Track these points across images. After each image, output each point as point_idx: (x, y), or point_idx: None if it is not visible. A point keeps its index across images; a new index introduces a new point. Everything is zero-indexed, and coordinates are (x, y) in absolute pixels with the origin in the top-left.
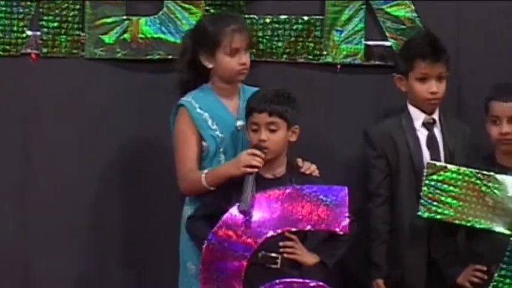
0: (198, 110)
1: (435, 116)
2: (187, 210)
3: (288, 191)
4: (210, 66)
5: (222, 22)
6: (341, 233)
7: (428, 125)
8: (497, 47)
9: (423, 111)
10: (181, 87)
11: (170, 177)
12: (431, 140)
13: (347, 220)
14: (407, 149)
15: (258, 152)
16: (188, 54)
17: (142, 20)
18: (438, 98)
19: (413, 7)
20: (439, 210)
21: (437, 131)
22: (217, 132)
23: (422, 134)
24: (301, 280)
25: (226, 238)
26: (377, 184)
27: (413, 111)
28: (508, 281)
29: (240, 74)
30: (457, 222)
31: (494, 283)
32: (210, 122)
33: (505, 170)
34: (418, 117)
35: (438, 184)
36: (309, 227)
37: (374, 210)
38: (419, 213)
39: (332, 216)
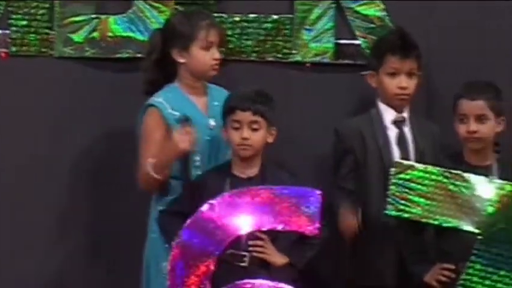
0: (170, 111)
1: (405, 114)
2: (156, 211)
3: (260, 191)
4: (182, 61)
5: (197, 17)
6: (311, 235)
7: (398, 123)
8: (466, 46)
9: (393, 108)
10: (147, 87)
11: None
12: (401, 139)
13: (318, 223)
14: (376, 146)
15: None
16: (156, 53)
17: (111, 18)
18: (407, 93)
19: (382, 6)
20: (407, 209)
21: (407, 130)
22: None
23: (392, 132)
24: (269, 281)
25: (196, 235)
26: (343, 179)
27: (383, 108)
28: (475, 279)
29: (213, 69)
30: (424, 220)
31: (462, 281)
32: (196, 121)
33: (473, 168)
34: (388, 114)
35: (406, 183)
36: (279, 227)
37: (340, 201)
38: (387, 211)
39: (303, 218)
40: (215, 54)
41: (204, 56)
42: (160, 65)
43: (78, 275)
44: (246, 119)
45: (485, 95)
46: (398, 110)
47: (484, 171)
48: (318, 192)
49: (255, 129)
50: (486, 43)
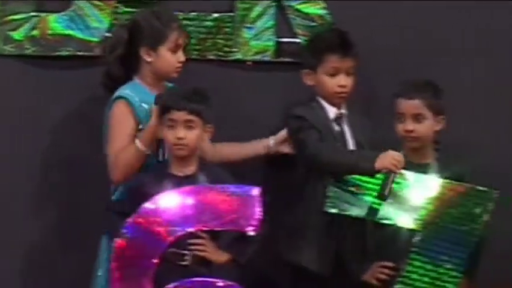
0: (140, 103)
1: (343, 110)
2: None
3: (199, 189)
4: (149, 60)
5: (168, 18)
6: (252, 233)
7: (338, 120)
8: (407, 45)
9: (333, 105)
10: (107, 82)
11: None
12: (342, 135)
13: (258, 220)
14: (324, 140)
15: None
16: (121, 49)
17: (51, 16)
18: (346, 91)
19: (323, 4)
20: (346, 206)
21: (345, 126)
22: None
23: (334, 129)
24: (210, 279)
25: (138, 234)
26: (316, 141)
27: (324, 104)
28: (414, 276)
29: (176, 71)
30: (364, 218)
31: (401, 279)
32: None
33: (412, 166)
34: (329, 110)
35: (345, 180)
36: (220, 227)
37: (326, 156)
38: (326, 208)
39: (243, 216)
40: (181, 57)
41: (171, 58)
42: (122, 61)
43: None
44: (181, 118)
45: (422, 94)
46: (337, 106)
47: (424, 169)
48: (258, 189)
49: (190, 128)
50: (426, 43)
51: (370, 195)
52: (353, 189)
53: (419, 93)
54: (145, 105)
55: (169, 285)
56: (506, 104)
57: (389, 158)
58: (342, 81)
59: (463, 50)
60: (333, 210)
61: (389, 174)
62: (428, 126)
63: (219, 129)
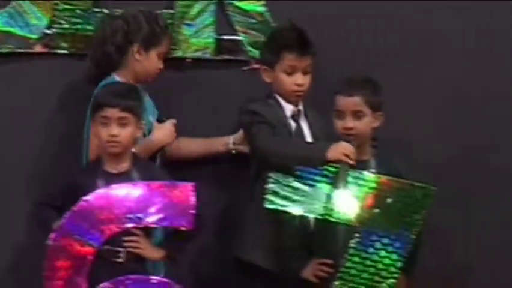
0: None
1: (301, 107)
2: None
3: (133, 186)
4: (138, 58)
5: (166, 24)
6: (186, 229)
7: (295, 117)
8: (353, 41)
9: (290, 102)
10: (92, 78)
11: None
12: (299, 132)
13: (192, 216)
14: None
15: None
16: (110, 44)
17: None
18: (303, 90)
19: (262, 1)
20: (284, 203)
21: (303, 123)
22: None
23: (291, 126)
24: (144, 276)
25: (74, 230)
26: (266, 135)
27: (281, 101)
28: (353, 272)
29: (154, 77)
30: (301, 214)
31: (340, 275)
32: (147, 113)
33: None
34: (286, 107)
35: (284, 178)
36: (155, 224)
37: (276, 148)
38: (266, 205)
39: (177, 212)
40: (161, 63)
41: (156, 63)
42: (109, 56)
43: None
44: (115, 116)
45: (361, 91)
46: (294, 104)
47: (362, 166)
48: (192, 184)
49: (123, 125)
50: (364, 41)
51: (307, 192)
52: (293, 185)
53: (359, 90)
54: None
55: (104, 283)
56: (442, 100)
57: (341, 148)
58: (300, 80)
59: (401, 47)
60: (272, 206)
61: (341, 165)
62: (367, 123)
63: None
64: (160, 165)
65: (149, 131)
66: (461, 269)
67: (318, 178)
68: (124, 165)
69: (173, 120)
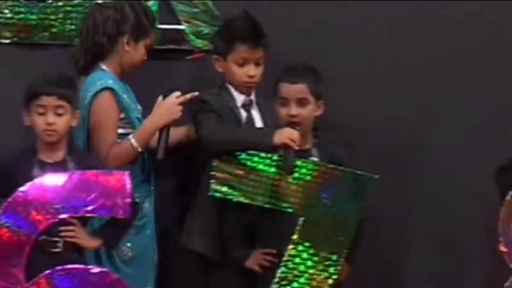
0: (122, 94)
1: (252, 97)
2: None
3: (69, 176)
4: (127, 49)
5: (152, 15)
6: (123, 217)
7: (246, 106)
8: (307, 30)
9: (241, 92)
10: (81, 69)
11: None
12: (250, 121)
13: (129, 204)
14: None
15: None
16: (100, 34)
17: None
18: (255, 81)
19: None
20: (230, 191)
21: (254, 112)
22: (139, 115)
23: (242, 115)
24: (83, 266)
25: (8, 221)
26: (212, 123)
27: (233, 91)
28: (297, 260)
29: (138, 67)
30: (247, 202)
31: (285, 263)
32: (134, 105)
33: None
34: (237, 97)
35: (227, 165)
36: (91, 213)
37: (221, 135)
38: (211, 192)
39: (113, 201)
40: (146, 55)
41: (143, 54)
42: (101, 46)
43: None
44: (51, 104)
45: (305, 78)
46: (246, 94)
47: (304, 155)
48: (127, 173)
49: (59, 114)
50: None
51: (251, 180)
52: (237, 172)
53: (303, 78)
54: (124, 95)
55: (43, 274)
56: (385, 88)
57: (286, 133)
58: (251, 72)
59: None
60: (217, 194)
61: (287, 151)
62: (310, 110)
63: None
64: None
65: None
66: (397, 257)
67: (262, 166)
68: (59, 155)
69: (177, 93)
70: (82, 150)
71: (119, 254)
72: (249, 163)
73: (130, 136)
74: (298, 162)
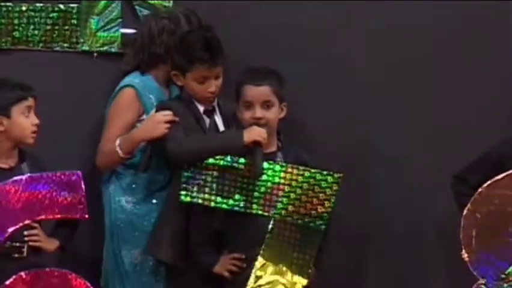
0: (148, 94)
1: (214, 103)
2: (112, 188)
3: (24, 181)
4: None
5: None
6: (80, 218)
7: (208, 113)
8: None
9: (203, 105)
10: (133, 66)
11: None
12: (213, 127)
13: (84, 204)
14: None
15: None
16: (166, 39)
17: None
18: (215, 94)
19: None
20: (199, 195)
21: (217, 118)
22: None
23: (205, 121)
24: (46, 269)
25: None
26: (179, 135)
27: (194, 101)
28: (269, 262)
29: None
30: (216, 205)
31: (257, 265)
32: None
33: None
34: (200, 106)
35: (198, 170)
36: (51, 216)
37: (189, 145)
38: (181, 198)
39: (70, 203)
40: None
41: None
42: (158, 57)
43: None
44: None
45: (269, 80)
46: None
47: (269, 158)
48: (78, 172)
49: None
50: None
51: (221, 183)
52: (207, 178)
53: (267, 80)
54: (151, 97)
55: (9, 280)
56: (347, 88)
57: (256, 131)
58: (212, 88)
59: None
60: (187, 199)
61: (256, 149)
62: (275, 113)
63: (61, 121)
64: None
65: None
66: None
67: (231, 169)
68: (14, 160)
69: (165, 112)
70: (34, 154)
71: (122, 262)
72: (218, 167)
73: (118, 140)
74: (266, 164)
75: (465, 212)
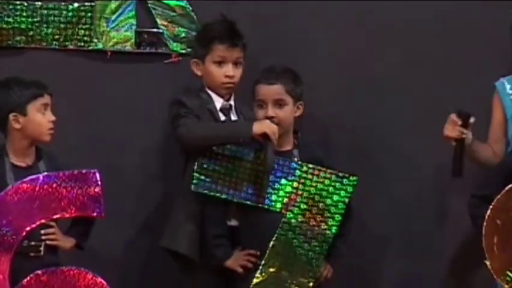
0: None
1: (232, 102)
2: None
3: (42, 179)
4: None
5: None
6: (97, 216)
7: (225, 111)
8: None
9: (220, 96)
10: None
11: None
12: None
13: (101, 202)
14: None
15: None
16: None
17: None
18: (234, 82)
19: None
20: (212, 186)
21: (233, 117)
22: None
23: (221, 119)
24: (62, 268)
25: None
26: (190, 123)
27: (212, 94)
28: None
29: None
30: (228, 198)
31: (264, 262)
32: None
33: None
34: (216, 101)
35: (211, 161)
36: (68, 215)
37: (199, 131)
38: (192, 188)
39: (87, 201)
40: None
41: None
42: None
43: None
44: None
45: (282, 79)
46: (225, 98)
47: (285, 156)
48: (95, 171)
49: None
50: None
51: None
52: (221, 169)
53: (280, 79)
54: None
55: (26, 279)
56: (361, 88)
57: (265, 124)
58: (230, 72)
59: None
60: (200, 190)
61: (266, 143)
62: (288, 112)
63: (78, 120)
64: None
65: None
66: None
67: (244, 162)
68: (30, 158)
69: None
70: (51, 153)
71: None
72: (232, 161)
73: None
74: (283, 162)
75: (485, 220)
